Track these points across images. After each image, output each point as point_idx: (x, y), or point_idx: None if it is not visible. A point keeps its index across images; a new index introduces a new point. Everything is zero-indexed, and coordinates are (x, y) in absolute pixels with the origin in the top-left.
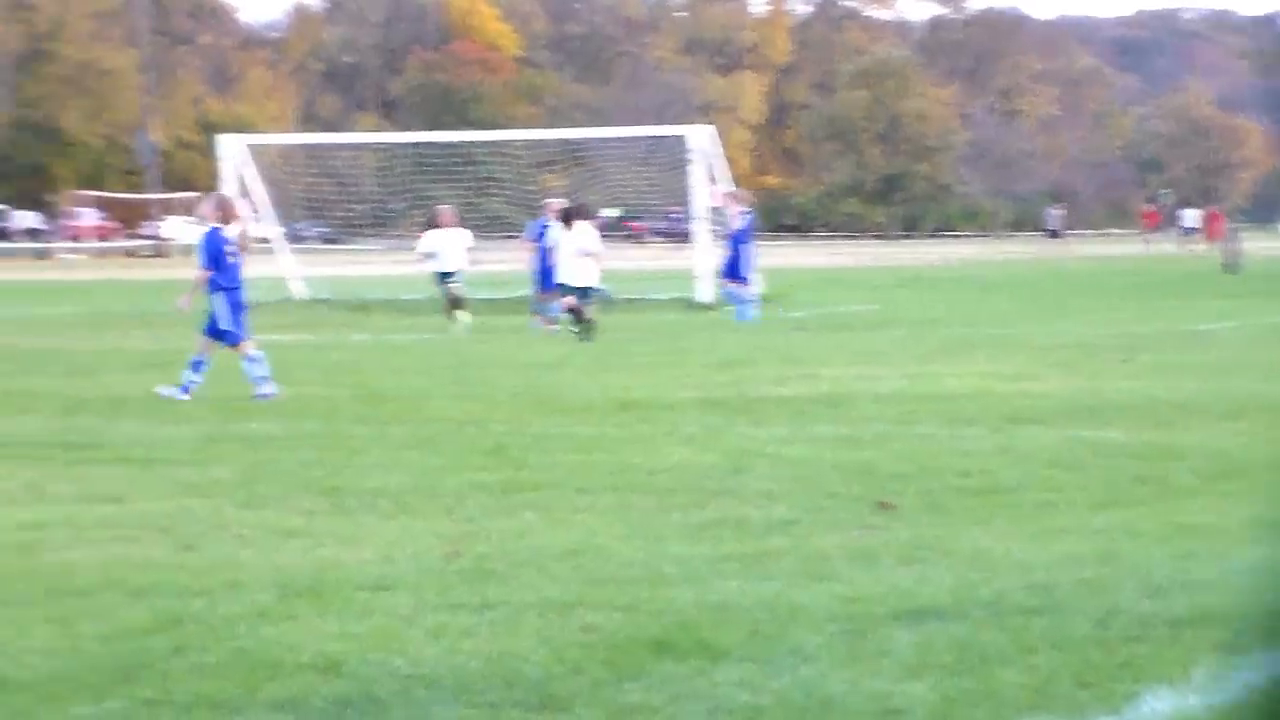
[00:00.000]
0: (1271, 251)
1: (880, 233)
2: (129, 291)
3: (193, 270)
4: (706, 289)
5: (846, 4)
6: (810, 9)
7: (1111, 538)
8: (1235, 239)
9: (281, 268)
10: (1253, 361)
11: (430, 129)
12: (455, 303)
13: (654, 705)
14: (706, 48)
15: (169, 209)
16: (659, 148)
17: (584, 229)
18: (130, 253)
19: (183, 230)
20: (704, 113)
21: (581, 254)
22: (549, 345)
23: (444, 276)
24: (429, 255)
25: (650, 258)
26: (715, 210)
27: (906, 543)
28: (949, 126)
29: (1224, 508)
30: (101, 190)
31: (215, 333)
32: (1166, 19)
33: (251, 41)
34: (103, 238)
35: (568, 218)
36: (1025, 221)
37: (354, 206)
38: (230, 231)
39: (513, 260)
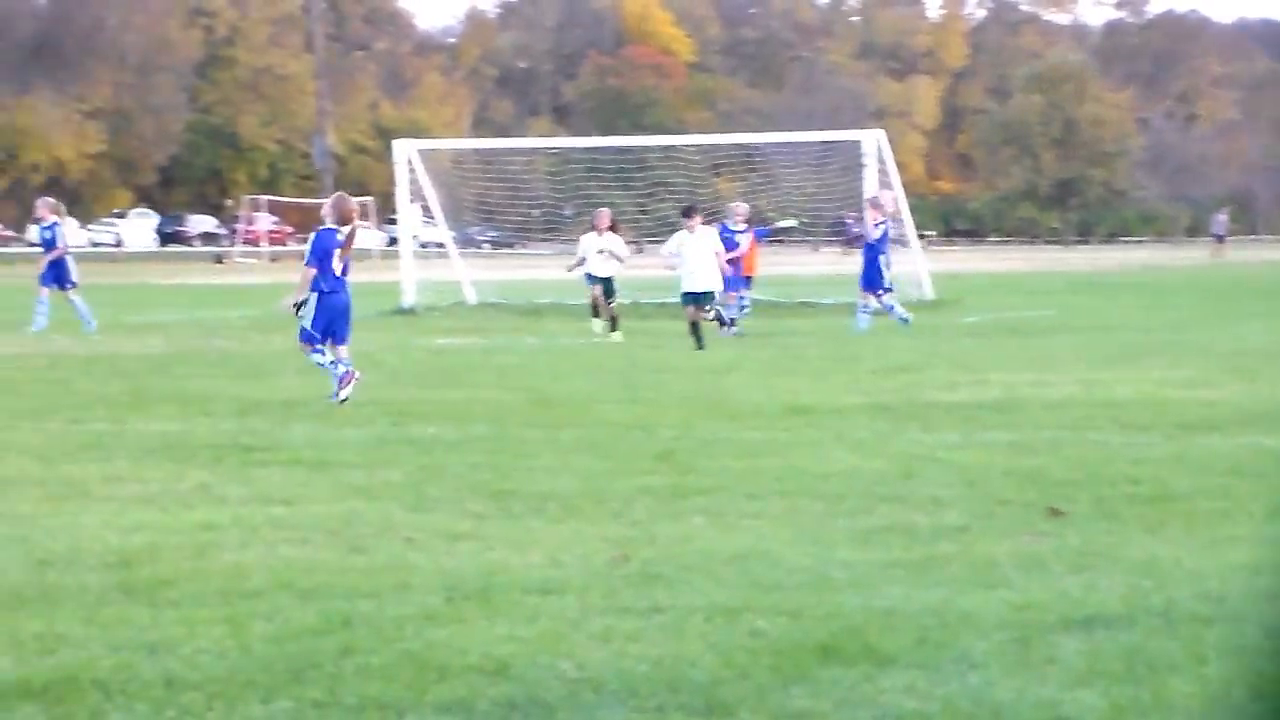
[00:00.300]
0: None
1: (1054, 238)
2: None
3: (355, 274)
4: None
5: (1023, 8)
6: (985, 13)
7: None
8: None
9: (455, 271)
10: None
11: (603, 134)
12: (600, 310)
13: (820, 711)
14: (880, 52)
15: None
16: (832, 153)
17: (706, 232)
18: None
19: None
20: (877, 117)
21: (705, 257)
22: (719, 349)
23: (595, 281)
24: (580, 261)
25: (824, 262)
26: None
27: (1077, 550)
28: (1125, 131)
29: None
30: (276, 195)
31: (304, 335)
32: None
33: (426, 47)
34: (277, 242)
35: (687, 215)
36: (1202, 227)
37: (527, 211)
38: (342, 234)
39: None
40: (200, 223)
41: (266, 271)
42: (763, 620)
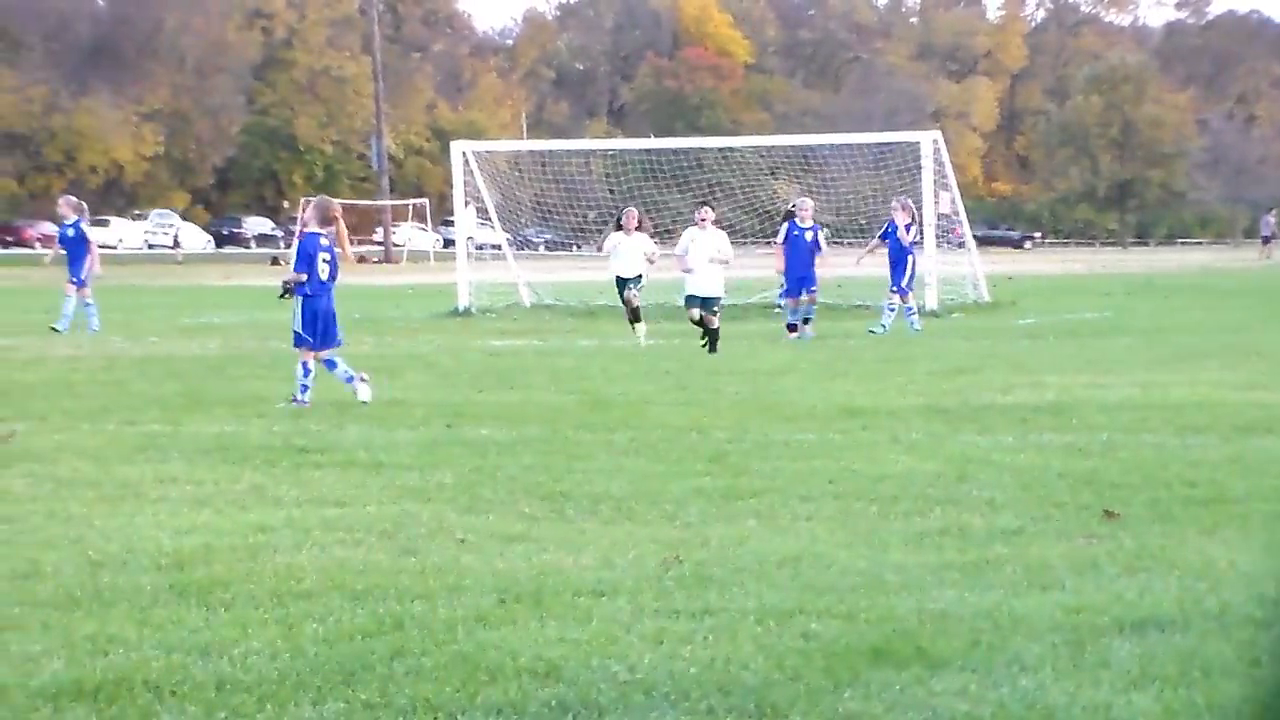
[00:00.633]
0: None
1: (1112, 239)
2: (357, 297)
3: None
4: (933, 296)
5: (1083, 9)
6: (1045, 14)
7: None
8: None
9: (510, 273)
10: None
11: (660, 135)
12: (634, 313)
13: (871, 714)
14: (939, 53)
15: (399, 215)
16: (889, 154)
17: (716, 234)
18: (360, 258)
19: (413, 236)
20: (935, 119)
21: (713, 262)
22: (773, 351)
23: (624, 282)
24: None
25: (879, 263)
26: (943, 217)
27: (1131, 552)
28: (1184, 132)
29: None
30: (332, 197)
31: (297, 340)
32: None
33: (484, 48)
34: None
35: (703, 218)
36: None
37: (583, 213)
38: (326, 238)
39: (742, 266)
40: (256, 224)
41: None
42: (815, 623)
